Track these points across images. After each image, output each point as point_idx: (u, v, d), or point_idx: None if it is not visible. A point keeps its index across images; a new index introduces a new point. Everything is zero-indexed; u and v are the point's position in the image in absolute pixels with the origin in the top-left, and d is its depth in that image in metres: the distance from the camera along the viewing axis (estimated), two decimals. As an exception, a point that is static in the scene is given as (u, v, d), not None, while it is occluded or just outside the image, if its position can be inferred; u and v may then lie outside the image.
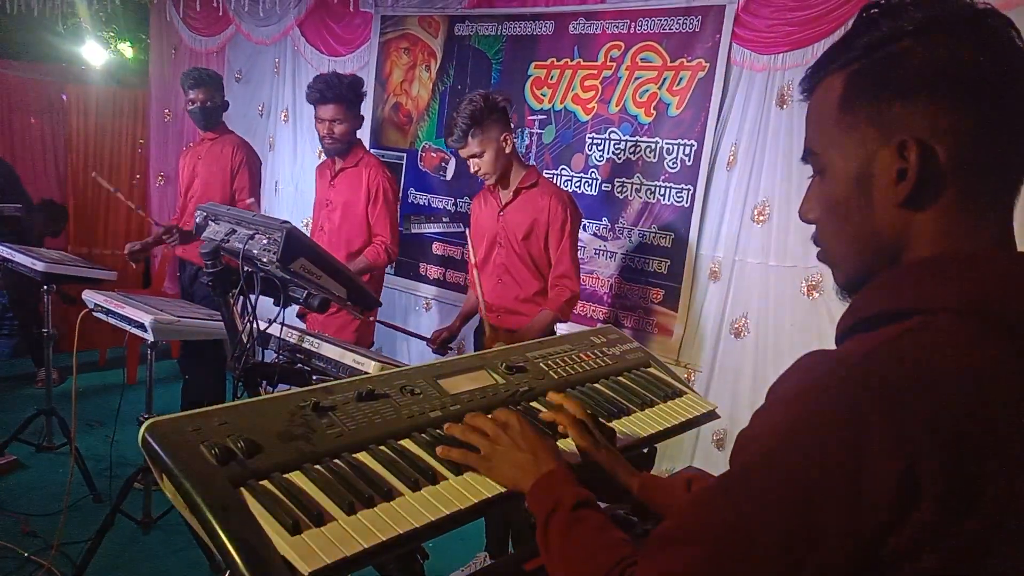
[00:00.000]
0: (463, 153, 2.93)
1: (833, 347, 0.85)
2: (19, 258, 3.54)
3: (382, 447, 1.16)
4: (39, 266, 3.46)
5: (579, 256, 3.09)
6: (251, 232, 2.03)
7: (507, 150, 2.91)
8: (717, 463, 3.34)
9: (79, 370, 3.12)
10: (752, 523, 0.73)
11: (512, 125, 3.02)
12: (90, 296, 3.08)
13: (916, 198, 0.81)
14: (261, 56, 5.44)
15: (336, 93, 3.30)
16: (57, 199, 5.91)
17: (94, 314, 3.07)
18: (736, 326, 3.34)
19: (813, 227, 0.95)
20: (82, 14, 5.99)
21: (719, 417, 1.65)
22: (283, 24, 5.14)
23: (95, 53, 6.16)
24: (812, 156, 0.90)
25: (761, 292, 3.26)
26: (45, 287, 3.60)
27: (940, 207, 0.81)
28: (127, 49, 6.57)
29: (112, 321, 3.02)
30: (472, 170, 2.97)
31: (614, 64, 3.67)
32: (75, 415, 3.17)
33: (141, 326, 2.87)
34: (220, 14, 5.37)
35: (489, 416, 1.19)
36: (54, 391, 3.88)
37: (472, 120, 2.81)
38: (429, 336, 3.21)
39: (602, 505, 1.21)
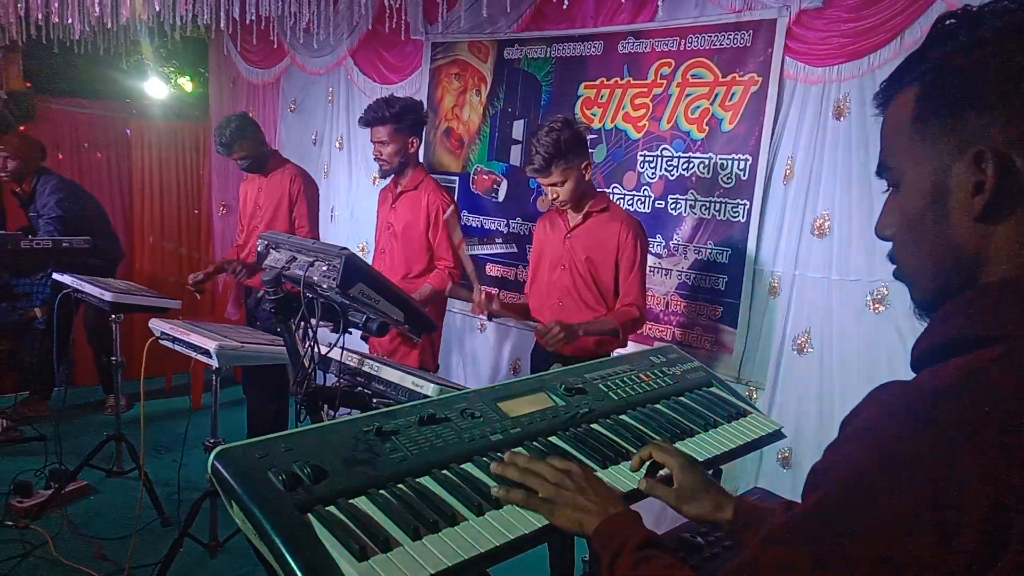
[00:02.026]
0: (543, 182, 2.87)
1: (902, 363, 0.82)
2: (88, 288, 3.66)
3: (444, 471, 1.17)
4: (107, 296, 3.57)
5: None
6: (311, 259, 2.07)
7: (586, 177, 2.89)
8: (783, 483, 3.27)
9: (146, 396, 3.20)
10: (830, 563, 0.71)
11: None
12: (156, 324, 3.17)
13: (994, 211, 0.78)
14: (315, 86, 5.56)
15: (380, 115, 3.35)
16: (121, 231, 6.11)
17: (160, 342, 3.16)
18: (799, 342, 3.27)
19: (875, 240, 0.92)
20: (144, 51, 6.21)
21: (785, 437, 1.62)
22: (336, 54, 5.26)
23: (157, 88, 6.37)
24: (887, 170, 0.88)
25: (824, 307, 3.19)
26: (113, 316, 3.72)
27: (1019, 219, 0.78)
28: (187, 83, 6.77)
29: (178, 348, 3.10)
30: (551, 198, 2.92)
31: (664, 81, 3.65)
32: (143, 441, 3.26)
33: (206, 352, 2.93)
34: (275, 47, 5.52)
35: (546, 462, 1.18)
36: (123, 417, 3.99)
37: (556, 150, 2.76)
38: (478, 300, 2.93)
39: (663, 532, 1.20)
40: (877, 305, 3.02)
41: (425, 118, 3.55)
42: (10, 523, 3.48)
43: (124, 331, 3.95)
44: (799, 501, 0.83)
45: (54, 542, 3.34)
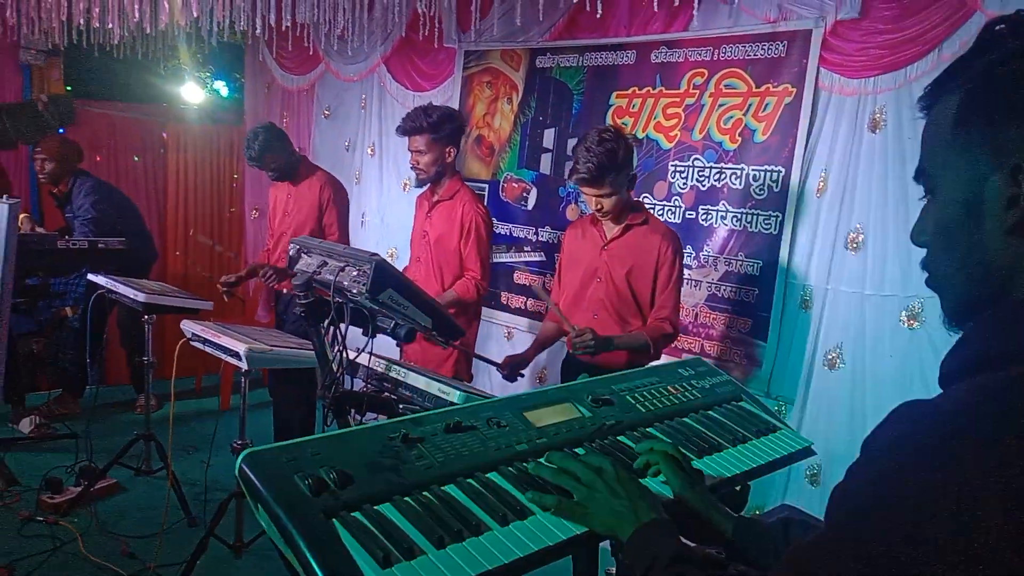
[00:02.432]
0: (589, 192, 2.82)
1: (936, 381, 0.81)
2: (122, 289, 3.71)
3: (470, 480, 1.16)
4: (140, 297, 3.62)
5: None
6: (342, 264, 2.08)
7: (631, 190, 2.88)
8: (811, 499, 3.22)
9: (176, 397, 3.24)
10: None
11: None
12: (188, 326, 3.21)
13: None
14: (348, 93, 5.61)
15: (418, 124, 3.34)
16: (155, 233, 6.20)
17: (191, 343, 3.20)
18: (830, 357, 3.23)
19: (911, 255, 0.91)
20: (182, 56, 6.30)
21: (815, 454, 1.59)
22: (370, 61, 5.30)
23: (193, 93, 6.46)
24: (924, 176, 0.87)
25: (857, 322, 3.15)
26: (146, 317, 3.77)
27: None
28: (222, 88, 6.86)
29: (208, 350, 3.14)
30: (594, 208, 2.87)
31: (697, 91, 3.63)
32: (171, 440, 3.29)
33: (236, 355, 2.96)
34: (311, 53, 5.56)
35: (580, 459, 1.17)
36: (152, 417, 4.03)
37: (610, 162, 2.71)
38: (501, 362, 3.14)
39: (692, 545, 1.18)
40: (911, 321, 2.98)
41: (464, 128, 3.53)
42: (40, 518, 3.54)
43: (156, 332, 4.01)
44: (819, 518, 0.82)
45: (83, 538, 3.38)
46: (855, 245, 3.16)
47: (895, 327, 3.03)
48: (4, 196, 3.89)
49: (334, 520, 1.01)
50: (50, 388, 5.15)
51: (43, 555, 3.24)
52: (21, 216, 4.36)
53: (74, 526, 3.49)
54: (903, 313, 3.00)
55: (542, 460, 1.21)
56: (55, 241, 4.24)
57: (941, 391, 0.78)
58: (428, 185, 3.51)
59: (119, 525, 3.58)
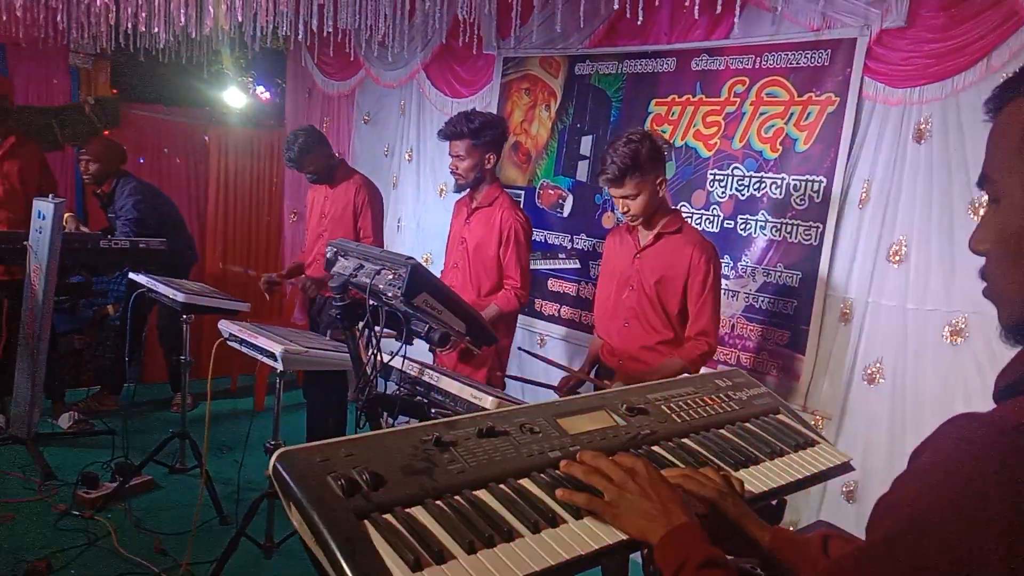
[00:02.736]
0: (615, 193, 2.83)
1: (980, 398, 0.78)
2: (162, 289, 3.77)
3: (502, 486, 1.15)
4: (179, 297, 3.67)
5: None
6: (378, 267, 2.09)
7: (660, 194, 2.83)
8: (847, 516, 3.15)
9: (212, 396, 3.27)
10: None
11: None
12: (225, 326, 3.24)
13: None
14: (388, 99, 5.65)
15: (458, 130, 3.35)
16: (195, 234, 6.28)
17: (228, 343, 3.23)
18: (870, 372, 3.16)
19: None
20: (225, 61, 6.40)
21: (853, 470, 1.56)
22: (410, 68, 5.33)
23: (235, 97, 6.55)
24: (988, 183, 0.84)
25: (898, 336, 3.08)
26: (184, 317, 3.82)
27: None
28: (264, 93, 6.95)
29: (244, 350, 3.16)
30: (621, 210, 2.88)
31: (738, 99, 3.60)
32: (207, 439, 3.33)
33: (272, 355, 2.98)
34: (351, 59, 5.62)
35: (612, 459, 1.15)
36: (188, 415, 4.08)
37: (632, 161, 2.71)
38: (556, 384, 3.06)
39: (729, 558, 1.16)
40: (955, 337, 2.90)
41: (506, 135, 3.52)
42: (76, 513, 3.60)
43: (193, 332, 4.06)
44: (858, 536, 0.79)
45: (116, 534, 3.43)
46: (897, 257, 3.10)
47: (938, 342, 2.96)
48: (50, 196, 3.97)
49: (366, 521, 1.00)
50: (90, 385, 5.25)
51: (78, 549, 3.29)
52: (66, 215, 4.44)
53: (108, 521, 3.54)
54: (946, 328, 2.93)
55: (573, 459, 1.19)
56: (98, 240, 4.32)
57: (995, 406, 0.75)
58: (467, 191, 3.50)
59: (152, 522, 3.62)
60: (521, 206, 4.59)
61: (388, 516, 1.02)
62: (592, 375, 3.15)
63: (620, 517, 1.07)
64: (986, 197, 0.85)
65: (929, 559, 0.66)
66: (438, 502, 1.08)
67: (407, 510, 1.05)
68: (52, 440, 4.40)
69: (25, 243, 3.96)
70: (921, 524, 0.68)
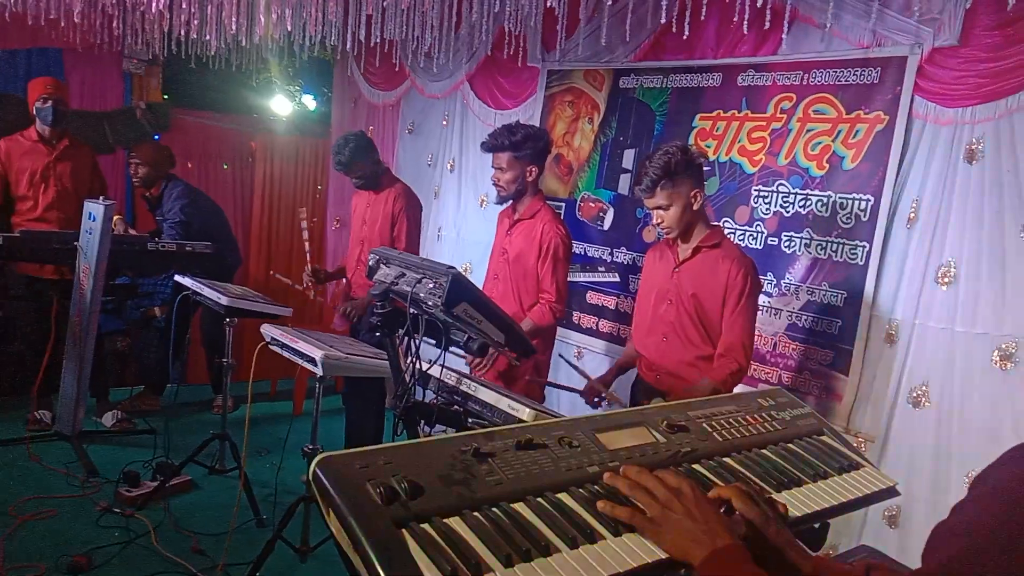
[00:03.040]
0: (649, 204, 2.84)
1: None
2: (206, 291, 3.83)
3: (539, 499, 1.14)
4: (223, 300, 3.72)
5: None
6: (419, 276, 2.10)
7: (695, 207, 2.82)
8: (889, 541, 3.08)
9: (252, 399, 3.31)
10: None
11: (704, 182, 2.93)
12: (267, 330, 3.28)
13: None
14: (432, 109, 5.69)
15: (500, 142, 3.37)
16: (240, 239, 6.38)
17: (270, 347, 3.27)
18: (915, 395, 3.09)
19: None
20: (273, 70, 6.51)
21: (899, 495, 1.52)
22: (454, 79, 5.36)
23: (282, 105, 6.66)
24: None
25: (945, 360, 3.01)
26: (227, 320, 3.88)
27: None
28: (311, 102, 7.05)
29: (286, 354, 3.20)
30: (655, 221, 2.89)
31: (784, 116, 3.56)
32: (247, 442, 3.36)
33: (312, 361, 3.01)
34: (397, 69, 5.68)
35: (656, 475, 1.14)
36: (228, 417, 4.13)
37: (664, 172, 2.73)
38: (582, 389, 3.14)
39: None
40: (1005, 362, 2.83)
41: (549, 148, 3.52)
42: (117, 510, 3.66)
43: (236, 335, 4.12)
44: (901, 562, 0.77)
45: (155, 532, 3.48)
46: (946, 279, 3.03)
47: (986, 367, 2.88)
48: (100, 197, 4.07)
49: (403, 530, 1.00)
50: (133, 384, 5.35)
51: (117, 546, 3.34)
52: (115, 218, 4.54)
53: (148, 520, 3.59)
54: (995, 353, 2.86)
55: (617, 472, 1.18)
56: (145, 243, 4.41)
57: None
58: (509, 203, 3.51)
59: (190, 522, 3.67)
60: (562, 218, 4.59)
61: (426, 526, 1.02)
62: (613, 389, 3.13)
63: (663, 535, 1.05)
64: None
65: None
66: (476, 514, 1.07)
67: (445, 520, 1.04)
68: (96, 438, 4.48)
69: (75, 243, 4.06)
70: (981, 553, 0.66)
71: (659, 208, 2.81)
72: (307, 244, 4.29)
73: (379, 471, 1.07)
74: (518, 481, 1.15)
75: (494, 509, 1.09)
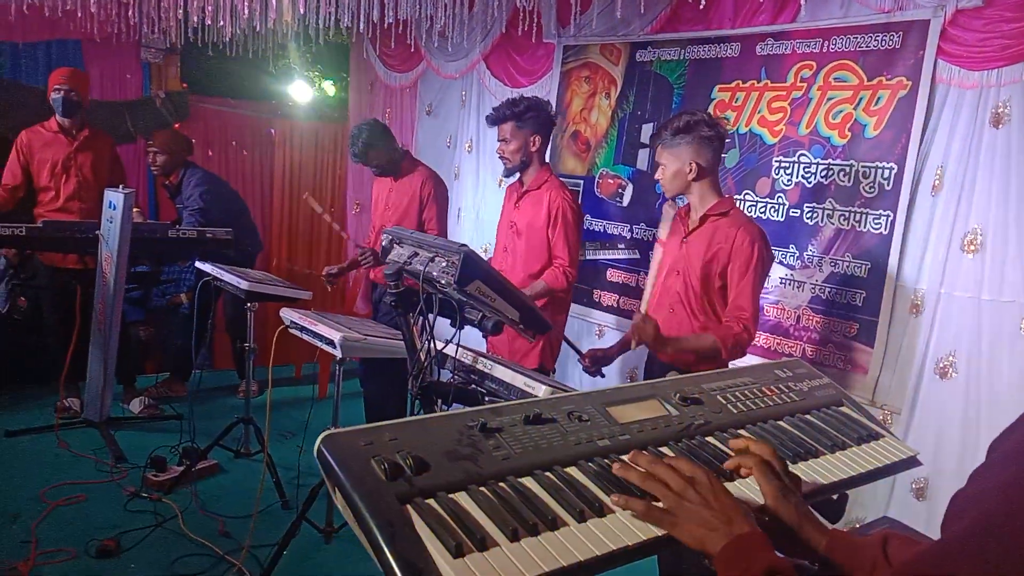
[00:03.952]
0: (657, 158, 2.87)
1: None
2: (227, 277, 3.85)
3: (548, 473, 1.13)
4: (243, 285, 3.74)
5: (764, 285, 2.92)
6: (431, 255, 2.08)
7: (690, 175, 2.78)
8: (916, 515, 3.04)
9: (276, 383, 3.33)
10: None
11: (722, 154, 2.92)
12: (287, 314, 3.30)
13: None
14: (449, 90, 5.66)
15: (502, 113, 3.43)
16: (260, 225, 6.41)
17: (289, 330, 3.28)
18: (942, 365, 3.04)
19: None
20: (292, 55, 6.51)
21: (920, 464, 1.48)
22: (470, 58, 5.32)
23: (302, 91, 6.66)
24: None
25: (972, 329, 2.95)
26: (248, 304, 3.90)
27: None
28: (330, 87, 7.05)
29: (305, 337, 3.21)
30: (656, 176, 2.91)
31: (804, 85, 3.49)
32: (268, 425, 3.39)
33: (331, 343, 3.02)
34: (412, 50, 5.64)
35: (670, 464, 1.11)
36: (252, 402, 4.17)
37: (675, 131, 2.75)
38: (584, 352, 3.14)
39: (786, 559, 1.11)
40: (1035, 331, 2.77)
41: (553, 119, 3.56)
42: (145, 495, 3.71)
43: (259, 320, 4.14)
44: (924, 534, 0.75)
45: (183, 516, 3.52)
46: (972, 247, 2.96)
47: (1015, 335, 2.82)
48: (120, 186, 4.09)
49: (408, 506, 0.99)
50: (159, 371, 5.41)
51: (146, 530, 3.39)
52: (134, 210, 4.57)
53: (175, 503, 3.64)
54: (1023, 321, 2.80)
55: (625, 458, 1.15)
56: (166, 230, 4.43)
57: None
58: (517, 176, 3.53)
59: (217, 505, 3.71)
60: (580, 196, 4.56)
61: (431, 501, 1.01)
62: (645, 367, 3.11)
63: (679, 526, 1.03)
64: None
65: (1009, 555, 0.62)
66: (482, 488, 1.06)
67: (450, 496, 1.03)
68: (123, 424, 4.54)
69: (97, 232, 4.09)
70: (1004, 519, 0.64)
71: (660, 164, 2.84)
72: (332, 221, 4.31)
73: (384, 447, 1.06)
74: (526, 456, 1.14)
75: (501, 484, 1.08)
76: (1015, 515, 0.62)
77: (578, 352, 3.20)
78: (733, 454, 1.23)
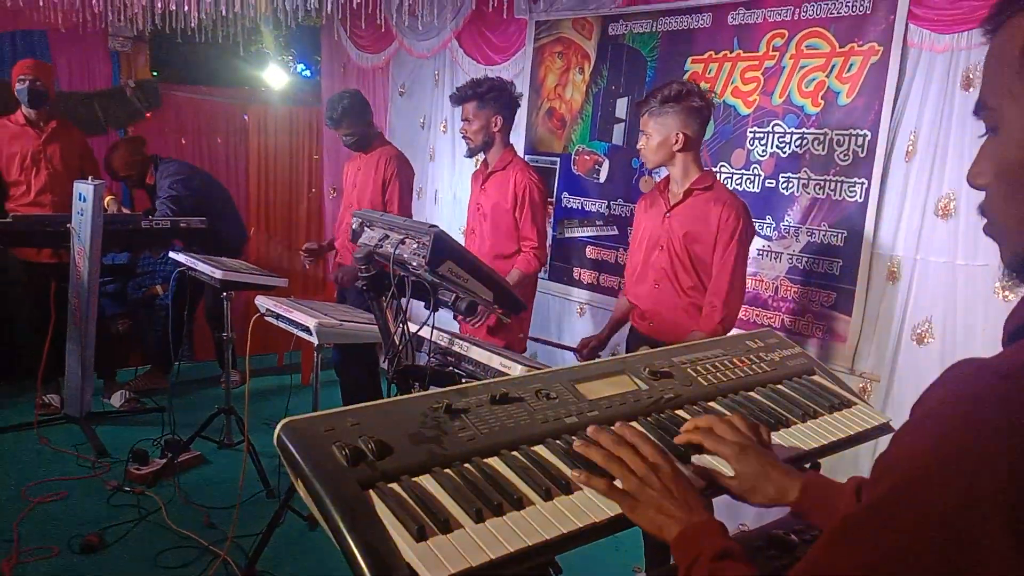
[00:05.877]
0: (642, 127, 2.85)
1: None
2: (201, 267, 3.81)
3: (514, 453, 1.12)
4: (218, 274, 3.70)
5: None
6: (401, 237, 2.06)
7: (676, 146, 2.77)
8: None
9: (260, 372, 3.31)
10: (892, 565, 0.63)
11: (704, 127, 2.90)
12: (262, 301, 3.26)
13: None
14: (422, 69, 5.60)
15: (464, 93, 3.45)
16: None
17: (265, 318, 3.25)
18: (919, 332, 3.05)
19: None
20: (265, 40, 6.43)
21: (894, 430, 1.48)
22: (442, 37, 5.26)
23: (276, 76, 6.57)
24: (985, 110, 0.77)
25: (947, 294, 2.95)
26: (224, 294, 3.86)
27: None
28: (304, 70, 6.98)
29: (281, 325, 3.18)
30: (639, 145, 2.90)
31: (777, 54, 3.46)
32: (247, 414, 3.37)
33: (307, 329, 2.99)
34: (383, 30, 5.58)
35: (633, 444, 1.10)
36: (235, 392, 4.14)
37: (664, 100, 2.73)
38: (576, 346, 3.16)
39: (755, 528, 1.11)
40: (1007, 293, 2.77)
41: (516, 99, 3.57)
42: (128, 488, 3.68)
43: (240, 310, 4.10)
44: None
45: (167, 508, 3.51)
46: (946, 212, 2.96)
47: (988, 298, 2.83)
48: (89, 178, 4.03)
49: (370, 491, 0.98)
50: (140, 364, 5.36)
51: (130, 524, 3.37)
52: (107, 198, 4.51)
53: (159, 496, 3.61)
54: (998, 284, 2.80)
55: (589, 432, 1.14)
56: (139, 221, 4.37)
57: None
58: (481, 158, 3.55)
59: (201, 496, 3.69)
60: (556, 174, 4.54)
61: (394, 485, 1.00)
62: (627, 345, 3.12)
63: (638, 511, 1.03)
64: (984, 126, 0.78)
65: (930, 522, 0.62)
66: (447, 470, 1.05)
67: (414, 479, 1.02)
68: (104, 419, 4.51)
69: (68, 226, 4.03)
70: (922, 481, 0.63)
71: (645, 134, 2.83)
72: None
73: (346, 433, 1.05)
74: (492, 435, 1.13)
75: (466, 465, 1.07)
76: (938, 477, 0.62)
77: (568, 348, 3.21)
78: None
